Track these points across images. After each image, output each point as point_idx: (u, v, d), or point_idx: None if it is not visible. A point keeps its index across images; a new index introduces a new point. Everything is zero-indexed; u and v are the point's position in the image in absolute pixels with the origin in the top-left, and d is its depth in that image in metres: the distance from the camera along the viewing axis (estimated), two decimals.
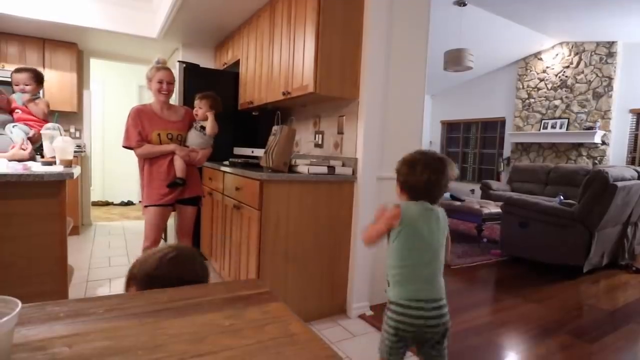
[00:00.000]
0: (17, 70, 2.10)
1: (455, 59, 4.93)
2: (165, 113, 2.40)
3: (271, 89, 2.98)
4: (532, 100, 6.80)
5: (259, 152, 2.97)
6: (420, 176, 1.38)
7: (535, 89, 6.77)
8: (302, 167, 2.40)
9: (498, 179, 7.19)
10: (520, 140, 6.92)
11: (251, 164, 2.76)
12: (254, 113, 3.67)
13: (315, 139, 3.02)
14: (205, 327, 0.72)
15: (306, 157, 3.04)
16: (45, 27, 3.86)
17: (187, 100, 3.20)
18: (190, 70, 3.50)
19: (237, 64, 3.78)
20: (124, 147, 2.35)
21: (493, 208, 4.66)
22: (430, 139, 8.84)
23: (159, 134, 2.34)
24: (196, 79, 3.49)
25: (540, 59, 6.69)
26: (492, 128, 7.72)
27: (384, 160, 2.58)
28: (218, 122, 2.48)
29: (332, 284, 2.50)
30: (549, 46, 6.49)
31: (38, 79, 2.16)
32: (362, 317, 2.48)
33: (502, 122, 7.44)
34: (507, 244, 3.99)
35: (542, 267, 3.68)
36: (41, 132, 2.01)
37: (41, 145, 2.05)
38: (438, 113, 8.75)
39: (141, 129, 2.32)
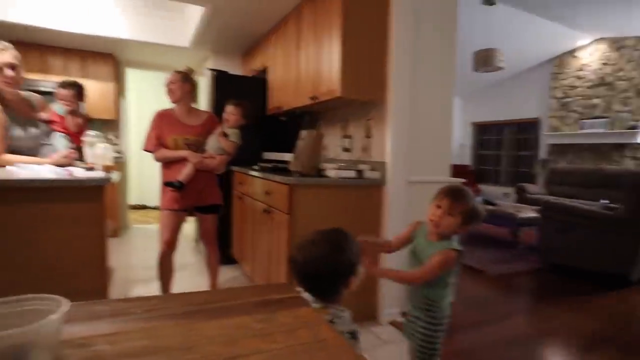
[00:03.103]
0: (63, 86, 2.21)
1: (485, 59, 4.82)
2: (186, 118, 2.43)
3: (299, 94, 3.02)
4: (569, 99, 6.53)
5: (287, 156, 3.00)
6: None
7: (572, 88, 6.50)
8: (331, 172, 2.41)
9: (534, 182, 6.93)
10: (557, 142, 6.65)
11: (280, 169, 2.80)
12: (282, 118, 3.72)
13: (343, 143, 3.02)
14: (237, 329, 0.73)
15: (335, 161, 3.05)
16: (85, 40, 4.07)
17: (216, 105, 3.28)
18: (219, 77, 3.59)
19: (265, 70, 3.85)
20: (143, 150, 2.42)
21: (529, 212, 4.50)
22: (460, 142, 8.65)
23: (175, 139, 2.37)
24: (225, 86, 3.57)
25: (576, 57, 6.41)
26: (527, 129, 7.46)
27: (413, 163, 2.55)
28: (244, 131, 2.50)
29: (362, 289, 2.46)
30: (585, 43, 6.21)
31: (80, 95, 2.26)
32: (393, 323, 2.45)
33: (536, 123, 7.18)
34: (545, 250, 3.83)
35: (584, 275, 3.51)
36: (83, 139, 2.13)
37: (80, 152, 2.17)
38: (469, 115, 8.55)
39: (160, 132, 2.37)
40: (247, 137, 2.52)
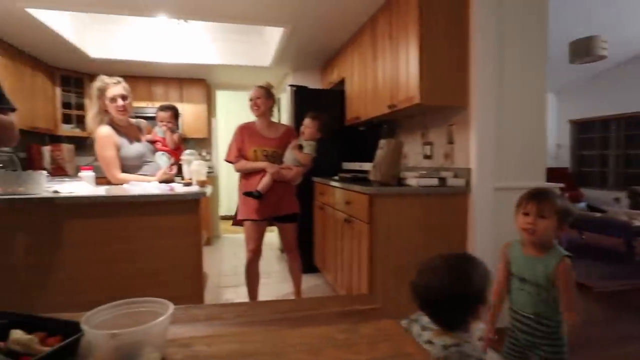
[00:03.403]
0: (161, 109, 2.50)
1: (583, 49, 4.33)
2: (266, 131, 2.56)
3: (377, 103, 3.01)
4: None
5: (367, 166, 3.00)
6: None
7: None
8: (412, 180, 2.35)
9: None
10: None
11: (360, 179, 2.81)
12: (360, 128, 3.74)
13: (423, 150, 2.94)
14: (321, 339, 0.75)
15: (415, 169, 2.97)
16: (182, 69, 4.54)
17: (298, 120, 3.41)
18: (299, 92, 3.74)
19: (342, 82, 3.91)
20: (225, 160, 2.59)
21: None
22: (556, 142, 7.85)
23: (255, 150, 2.51)
24: (305, 100, 3.70)
25: None
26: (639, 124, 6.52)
27: (501, 169, 2.38)
28: (321, 143, 2.55)
29: None
30: None
31: (176, 116, 2.55)
32: (480, 339, 2.29)
33: None
34: None
35: None
36: (181, 157, 2.37)
37: (179, 167, 2.41)
38: (565, 112, 7.72)
39: (241, 145, 2.52)
40: (326, 148, 2.58)
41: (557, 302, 1.31)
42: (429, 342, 1.03)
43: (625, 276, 3.48)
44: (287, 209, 2.58)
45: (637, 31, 5.48)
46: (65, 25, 3.37)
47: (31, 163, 4.11)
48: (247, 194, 2.43)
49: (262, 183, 2.43)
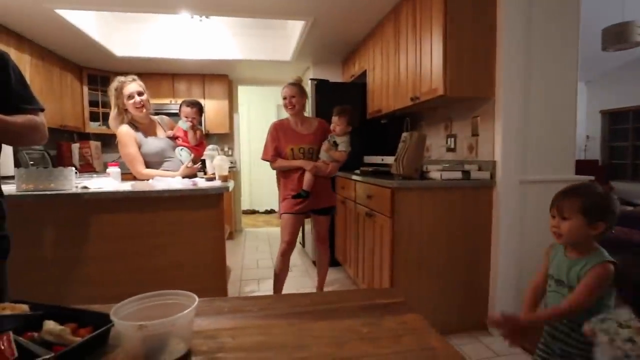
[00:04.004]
0: (187, 104, 2.53)
1: (617, 36, 4.13)
2: (299, 127, 2.59)
3: (399, 96, 2.97)
4: None
5: (389, 159, 2.97)
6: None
7: None
8: (435, 173, 2.32)
9: None
10: None
11: (382, 172, 2.78)
12: (382, 121, 3.70)
13: (447, 143, 2.88)
14: (345, 332, 0.75)
15: (438, 162, 2.92)
16: (205, 65, 4.60)
17: (320, 113, 3.40)
18: (320, 85, 3.73)
19: (363, 74, 3.88)
20: (262, 159, 2.63)
21: None
22: (587, 134, 7.56)
23: (292, 149, 2.53)
24: (326, 93, 3.69)
25: None
26: None
27: (527, 161, 2.32)
28: (353, 136, 2.55)
29: (471, 296, 2.34)
30: None
31: (201, 112, 2.59)
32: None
33: None
34: None
35: None
36: (204, 152, 2.40)
37: (202, 163, 2.44)
38: (596, 102, 7.41)
39: (278, 144, 2.56)
40: (350, 141, 2.56)
41: (600, 310, 1.16)
42: (630, 340, 0.95)
43: None
44: (324, 202, 2.61)
45: None
46: (92, 25, 3.46)
47: (61, 160, 4.26)
48: (296, 196, 2.48)
49: (306, 181, 2.48)
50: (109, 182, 2.07)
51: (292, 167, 2.54)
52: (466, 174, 2.29)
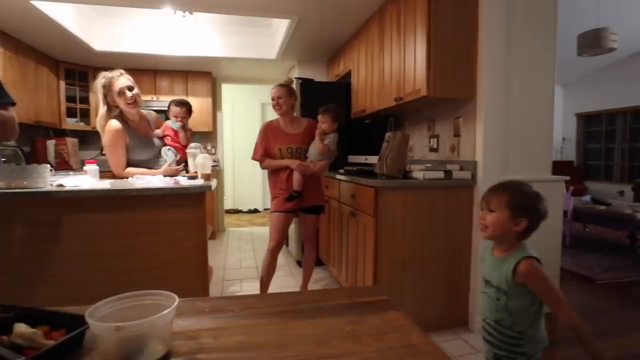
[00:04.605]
0: (177, 104, 2.49)
1: (592, 41, 4.26)
2: (288, 127, 2.59)
3: (383, 96, 2.99)
4: None
5: (373, 159, 2.98)
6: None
7: None
8: (417, 173, 2.34)
9: None
10: None
11: (365, 172, 2.79)
12: (366, 121, 3.71)
13: (430, 143, 2.91)
14: (328, 330, 0.75)
15: (421, 162, 2.95)
16: (187, 61, 4.52)
17: (305, 112, 3.39)
18: (305, 85, 3.71)
19: (348, 74, 3.88)
20: (252, 159, 2.62)
21: None
22: (563, 135, 7.77)
23: (280, 148, 2.54)
24: (311, 93, 3.67)
25: None
26: None
27: (508, 162, 2.37)
28: (341, 136, 2.55)
29: (452, 294, 2.37)
30: None
31: (190, 112, 2.54)
32: None
33: None
34: None
35: None
36: (186, 151, 2.36)
37: (186, 162, 2.40)
38: (572, 105, 7.63)
39: (267, 144, 2.56)
40: (338, 140, 2.57)
41: (518, 312, 1.16)
42: None
43: (627, 268, 3.46)
44: (313, 200, 2.62)
45: None
46: (70, 18, 3.36)
47: (36, 157, 4.13)
48: (289, 198, 2.49)
49: (295, 181, 2.49)
50: (86, 180, 2.01)
51: (280, 167, 2.55)
52: (448, 173, 2.32)
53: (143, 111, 2.38)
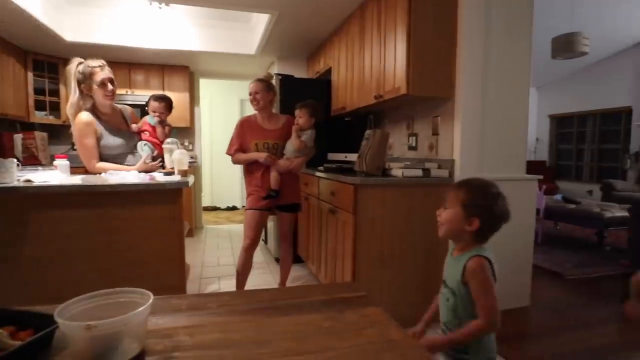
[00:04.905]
0: (156, 99, 2.43)
1: (566, 45, 4.41)
2: (266, 123, 2.55)
3: (363, 94, 3.00)
4: None
5: (352, 157, 3.00)
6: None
7: None
8: (396, 171, 2.36)
9: (623, 178, 6.22)
10: None
11: (345, 169, 2.80)
12: (346, 118, 3.72)
13: (409, 141, 2.95)
14: (307, 327, 0.74)
15: (400, 160, 2.98)
16: (163, 55, 4.41)
17: (285, 109, 3.38)
18: (285, 81, 3.69)
19: (329, 71, 3.88)
20: (226, 154, 2.57)
21: (617, 211, 4.05)
22: (536, 136, 8.02)
23: (256, 144, 2.50)
24: (291, 89, 3.66)
25: None
26: (615, 120, 6.72)
27: (485, 160, 2.42)
28: (318, 132, 2.54)
29: (430, 290, 2.39)
30: None
31: (170, 108, 2.48)
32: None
33: (627, 113, 6.42)
34: (636, 252, 3.41)
35: None
36: (162, 146, 2.30)
37: (163, 158, 2.35)
38: (546, 107, 7.89)
39: (243, 139, 2.52)
40: (315, 137, 2.56)
41: (466, 315, 1.11)
42: None
43: (595, 264, 3.60)
44: (289, 198, 2.59)
45: (614, 29, 5.62)
46: (38, 6, 3.22)
47: (2, 152, 3.95)
48: (267, 197, 2.46)
49: (273, 180, 2.46)
50: (55, 175, 1.94)
51: (249, 160, 2.50)
52: (426, 171, 2.35)
53: (118, 105, 2.31)
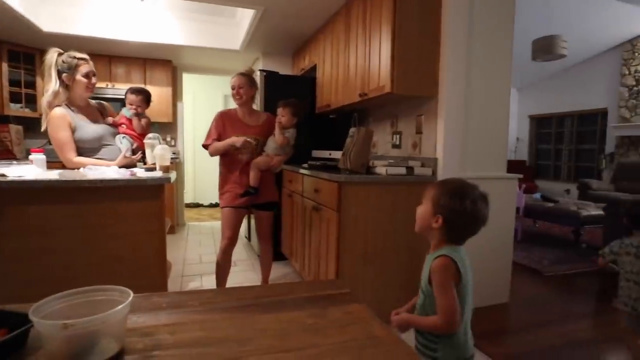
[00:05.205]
0: (133, 92, 2.38)
1: (545, 47, 4.51)
2: (246, 118, 2.52)
3: (348, 91, 3.00)
4: None
5: (336, 154, 3.00)
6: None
7: None
8: (380, 169, 2.37)
9: (599, 178, 6.41)
10: (627, 134, 6.09)
11: (329, 167, 2.80)
12: (331, 116, 3.72)
13: (393, 139, 2.97)
14: (290, 324, 0.74)
15: (384, 158, 3.00)
16: (146, 48, 4.32)
17: (268, 106, 3.35)
18: (269, 77, 3.67)
19: (314, 68, 3.87)
20: (203, 145, 2.51)
21: (593, 210, 4.17)
22: (517, 136, 8.19)
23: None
24: (275, 86, 3.64)
25: None
26: (591, 121, 6.91)
27: (467, 159, 2.46)
28: (299, 131, 2.53)
29: (413, 287, 2.41)
30: None
31: (148, 101, 2.43)
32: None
33: (603, 114, 6.62)
34: None
35: None
36: (144, 141, 2.26)
37: (143, 153, 2.30)
38: (526, 107, 8.06)
39: (222, 130, 2.46)
40: (296, 136, 2.55)
41: (434, 312, 1.11)
42: None
43: (572, 261, 3.71)
44: (266, 197, 2.56)
45: (591, 33, 5.77)
46: None
47: None
48: (244, 194, 2.42)
49: (252, 178, 2.42)
50: (31, 169, 1.88)
51: (224, 147, 2.42)
52: (410, 170, 2.37)
53: (93, 102, 2.29)
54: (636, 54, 6.03)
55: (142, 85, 4.53)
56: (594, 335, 2.32)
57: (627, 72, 6.16)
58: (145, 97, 2.41)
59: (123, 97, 2.44)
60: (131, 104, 2.34)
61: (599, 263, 2.02)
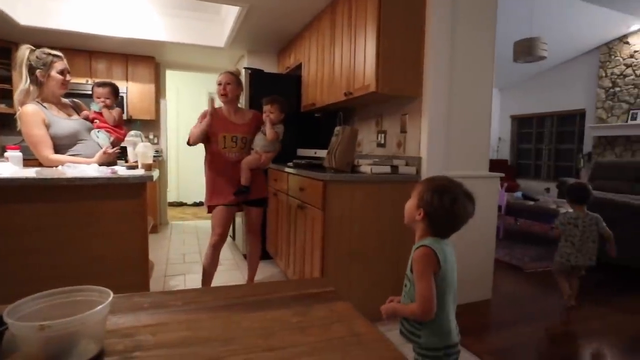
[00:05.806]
0: (99, 85, 2.35)
1: (526, 49, 4.60)
2: (233, 116, 2.51)
3: (333, 90, 3.00)
4: (618, 89, 6.12)
5: (322, 153, 3.00)
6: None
7: (621, 77, 6.08)
8: (365, 167, 2.38)
9: (577, 177, 6.58)
10: (603, 134, 6.26)
11: (314, 165, 2.80)
12: (316, 115, 3.72)
13: (377, 138, 2.98)
14: (275, 322, 0.74)
15: (369, 157, 3.01)
16: (128, 44, 4.24)
17: (253, 103, 3.33)
18: (254, 75, 3.64)
19: (299, 67, 3.86)
20: (188, 144, 2.48)
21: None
22: (499, 135, 8.33)
23: (224, 137, 2.45)
24: (260, 83, 3.61)
25: (627, 43, 5.98)
26: (570, 121, 7.08)
27: (450, 158, 2.49)
28: (286, 128, 2.53)
29: (398, 284, 2.43)
30: (637, 28, 5.80)
31: (116, 93, 2.41)
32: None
33: (581, 115, 6.79)
34: None
35: (632, 274, 3.31)
36: (125, 139, 2.22)
37: (124, 150, 2.26)
38: (507, 107, 8.21)
39: (208, 128, 2.43)
40: (284, 131, 2.55)
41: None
42: None
43: (551, 258, 3.77)
44: (256, 193, 2.56)
45: (570, 36, 5.91)
46: None
47: None
48: (237, 193, 2.42)
49: (244, 177, 2.42)
50: (7, 167, 1.82)
51: (204, 128, 2.37)
52: (395, 168, 2.39)
53: (66, 100, 2.26)
54: (612, 57, 6.20)
55: (122, 82, 4.46)
56: (573, 329, 2.38)
57: (604, 75, 6.33)
58: (113, 89, 2.38)
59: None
60: (99, 97, 2.32)
61: (554, 234, 2.73)
